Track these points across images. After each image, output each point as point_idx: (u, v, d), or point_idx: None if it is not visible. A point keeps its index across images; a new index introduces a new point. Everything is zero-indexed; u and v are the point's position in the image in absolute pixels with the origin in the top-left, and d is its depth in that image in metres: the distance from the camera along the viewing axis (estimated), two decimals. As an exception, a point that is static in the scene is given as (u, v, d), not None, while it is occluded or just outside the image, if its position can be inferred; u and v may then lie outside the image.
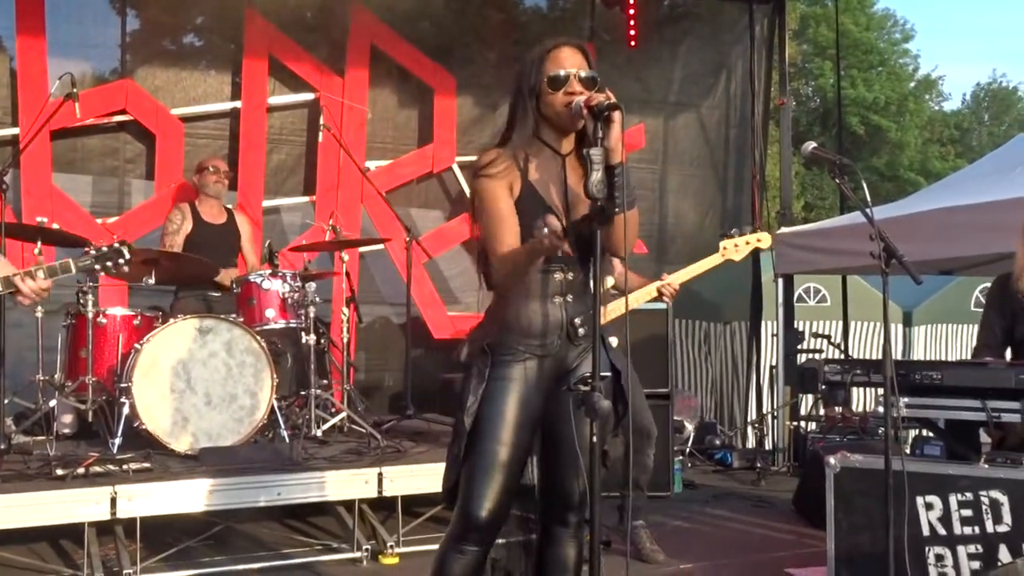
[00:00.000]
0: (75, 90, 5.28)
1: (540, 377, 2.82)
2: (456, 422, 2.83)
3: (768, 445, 7.99)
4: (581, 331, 2.80)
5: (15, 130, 6.46)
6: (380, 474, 4.71)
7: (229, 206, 6.39)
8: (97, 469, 4.42)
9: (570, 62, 2.79)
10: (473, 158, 7.21)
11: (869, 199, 3.45)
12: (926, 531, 3.81)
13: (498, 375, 2.79)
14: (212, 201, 6.16)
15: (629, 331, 2.80)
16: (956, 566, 3.76)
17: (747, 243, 4.64)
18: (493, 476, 2.74)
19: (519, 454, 2.79)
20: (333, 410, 5.77)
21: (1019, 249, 4.62)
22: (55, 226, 5.31)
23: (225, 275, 5.85)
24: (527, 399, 2.79)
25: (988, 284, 5.19)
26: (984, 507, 3.74)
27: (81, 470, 4.37)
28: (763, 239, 4.72)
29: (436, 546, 4.55)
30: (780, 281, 7.82)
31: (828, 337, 8.39)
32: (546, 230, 2.49)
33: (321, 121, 6.73)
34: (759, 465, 7.22)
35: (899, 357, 9.90)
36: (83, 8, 6.87)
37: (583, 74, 2.77)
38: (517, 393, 2.78)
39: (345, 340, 6.13)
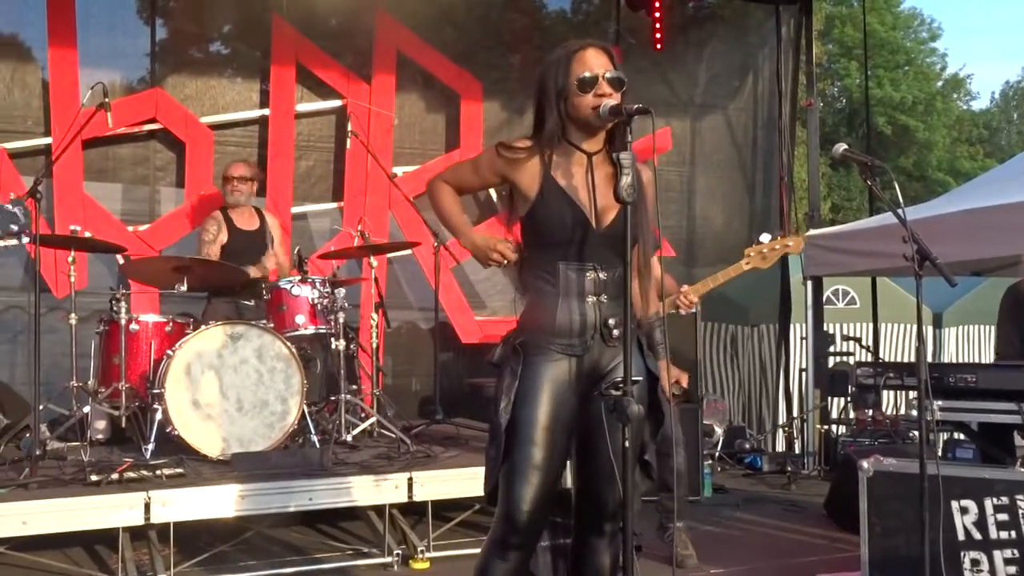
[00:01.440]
0: (107, 100, 5.33)
1: (574, 377, 2.80)
2: (491, 423, 2.83)
3: (798, 449, 7.94)
4: (615, 332, 2.78)
5: (48, 140, 6.56)
6: (410, 479, 4.72)
7: (259, 208, 6.41)
8: (131, 475, 4.47)
9: (597, 63, 2.79)
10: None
11: (901, 200, 3.43)
12: (961, 535, 3.78)
13: (530, 374, 2.78)
14: (241, 207, 6.20)
15: (667, 335, 2.78)
16: (992, 571, 3.72)
17: (773, 249, 4.41)
18: (530, 478, 2.73)
19: (555, 454, 2.78)
20: (363, 415, 5.80)
21: None
22: (87, 234, 5.37)
23: (255, 270, 5.87)
24: (561, 398, 2.78)
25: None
26: (1020, 511, 3.70)
27: (115, 476, 4.42)
28: (792, 244, 4.46)
29: (467, 551, 4.63)
30: (809, 283, 7.77)
31: (858, 340, 8.32)
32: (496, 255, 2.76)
33: (348, 127, 6.76)
34: (789, 469, 7.18)
35: (930, 359, 9.80)
36: (113, 19, 6.96)
37: (610, 75, 2.77)
38: (550, 392, 2.76)
39: (374, 345, 6.16)
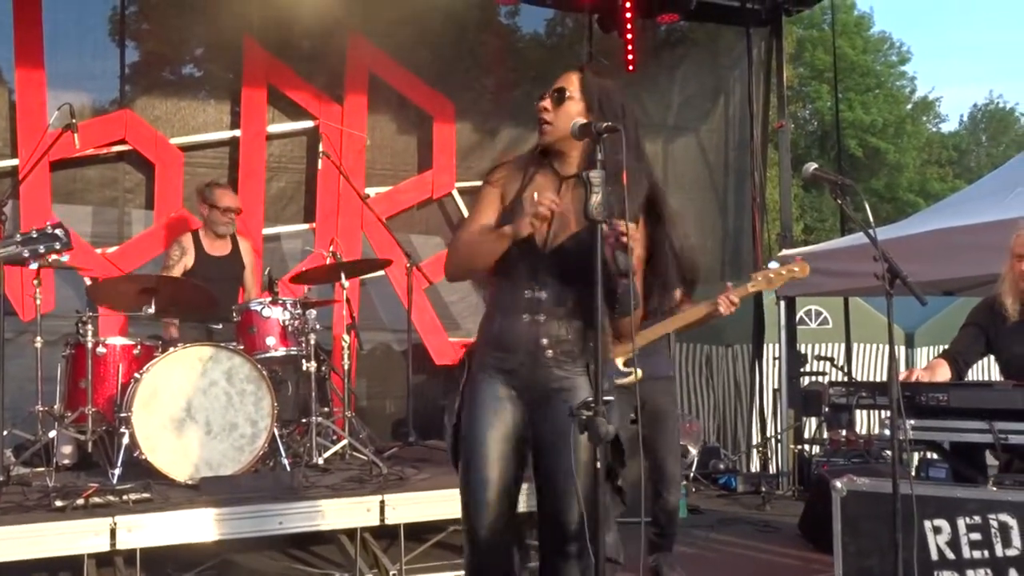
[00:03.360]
0: (74, 121, 5.28)
1: (513, 393, 2.84)
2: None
3: (772, 469, 7.94)
4: (548, 352, 2.80)
5: (14, 161, 6.46)
6: (382, 502, 4.67)
7: (232, 233, 6.34)
8: (97, 500, 4.38)
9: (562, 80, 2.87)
10: (473, 183, 7.23)
11: (871, 219, 3.45)
12: (935, 555, 3.77)
13: (472, 386, 2.87)
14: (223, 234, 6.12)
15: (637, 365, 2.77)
16: (966, 590, 3.72)
17: (780, 274, 4.56)
18: (486, 500, 2.78)
19: (506, 468, 2.81)
20: (334, 438, 5.74)
21: (1004, 267, 4.64)
22: (53, 257, 5.29)
23: None
24: (503, 413, 2.82)
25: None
26: (993, 530, 3.70)
27: (80, 501, 4.32)
28: (798, 270, 4.58)
29: (440, 574, 4.59)
30: (782, 303, 7.80)
31: (831, 359, 8.36)
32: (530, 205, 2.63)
33: (320, 148, 6.74)
34: (764, 489, 7.16)
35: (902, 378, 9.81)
36: (82, 39, 6.90)
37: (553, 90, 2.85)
38: (492, 408, 2.82)
39: (346, 367, 6.10)
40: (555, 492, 2.80)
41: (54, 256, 3.45)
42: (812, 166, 3.65)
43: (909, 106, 34.97)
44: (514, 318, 2.81)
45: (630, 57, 8.15)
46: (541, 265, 2.80)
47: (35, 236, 3.28)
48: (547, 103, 2.83)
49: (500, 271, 2.83)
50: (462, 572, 3.67)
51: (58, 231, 3.31)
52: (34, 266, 4.16)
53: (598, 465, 2.54)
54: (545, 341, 2.79)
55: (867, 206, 3.55)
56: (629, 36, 8.14)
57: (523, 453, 2.85)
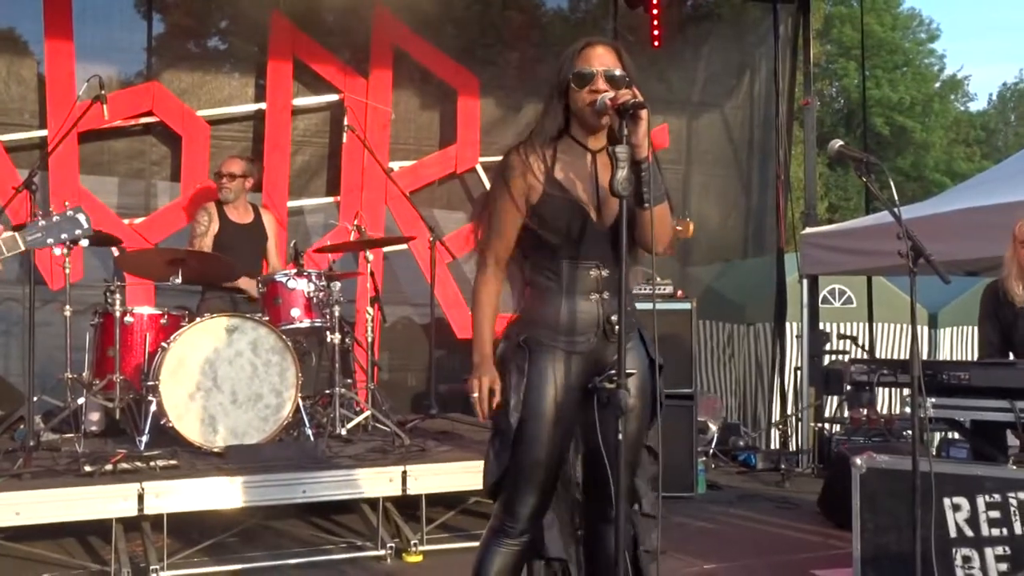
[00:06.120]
0: (103, 92, 5.33)
1: (578, 373, 2.81)
2: (499, 418, 2.82)
3: (792, 446, 7.95)
4: (617, 328, 2.77)
5: (43, 132, 6.54)
6: (404, 472, 4.73)
7: (256, 204, 6.40)
8: (124, 466, 4.47)
9: (599, 60, 2.80)
10: (496, 159, 7.24)
11: (896, 198, 3.44)
12: (953, 532, 3.79)
13: (536, 372, 2.79)
14: (236, 201, 6.19)
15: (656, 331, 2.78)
16: (984, 568, 3.74)
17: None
18: (535, 475, 2.79)
19: (558, 451, 2.82)
20: (357, 409, 5.80)
21: (1007, 253, 4.63)
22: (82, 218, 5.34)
23: (248, 284, 5.84)
24: (566, 395, 2.80)
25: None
26: (1012, 509, 3.71)
27: (109, 467, 4.42)
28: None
29: (460, 544, 4.66)
30: (805, 282, 7.78)
31: (854, 338, 8.33)
32: (475, 396, 2.77)
33: (345, 122, 6.77)
34: (783, 466, 7.18)
35: (924, 358, 9.76)
36: (110, 12, 6.94)
37: (609, 72, 2.77)
38: (555, 390, 2.79)
39: (369, 339, 6.16)
40: (605, 463, 2.78)
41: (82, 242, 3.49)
42: (838, 143, 3.64)
43: (937, 84, 34.52)
44: (582, 299, 2.79)
45: (655, 33, 8.12)
46: (601, 243, 2.80)
47: (56, 220, 3.30)
48: (609, 87, 2.78)
49: (563, 252, 2.80)
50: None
51: (79, 216, 3.36)
52: (57, 252, 4.24)
53: (619, 437, 2.57)
54: (615, 318, 2.76)
55: (892, 184, 3.55)
56: (655, 12, 8.10)
57: (573, 430, 2.86)
